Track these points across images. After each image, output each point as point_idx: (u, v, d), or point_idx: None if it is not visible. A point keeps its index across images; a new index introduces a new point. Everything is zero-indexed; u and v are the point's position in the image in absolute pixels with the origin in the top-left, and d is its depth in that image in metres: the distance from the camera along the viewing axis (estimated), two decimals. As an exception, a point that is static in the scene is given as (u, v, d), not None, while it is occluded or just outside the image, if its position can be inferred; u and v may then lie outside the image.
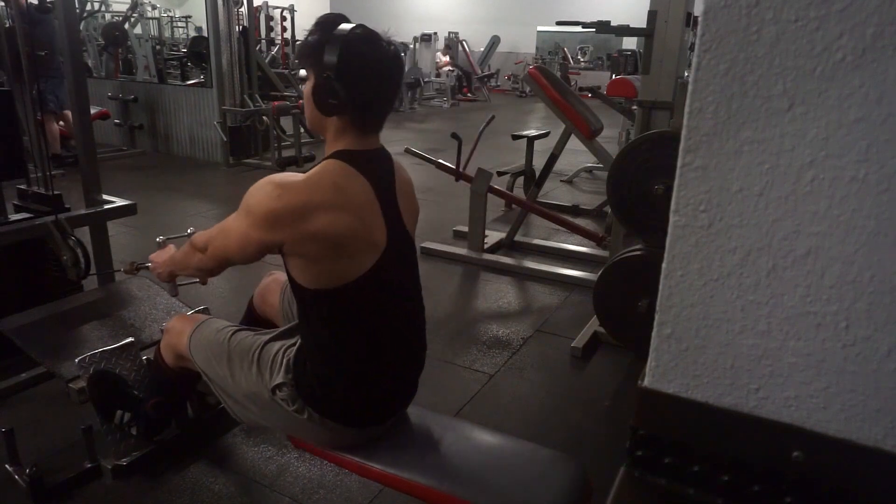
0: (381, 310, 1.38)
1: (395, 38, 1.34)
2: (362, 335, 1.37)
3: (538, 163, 4.51)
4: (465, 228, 4.08)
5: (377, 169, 1.36)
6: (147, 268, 1.71)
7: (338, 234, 1.26)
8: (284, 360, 1.41)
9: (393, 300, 1.42)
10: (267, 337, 1.50)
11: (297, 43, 13.65)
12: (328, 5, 18.98)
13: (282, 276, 1.72)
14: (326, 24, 1.31)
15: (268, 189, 1.26)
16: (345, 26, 1.28)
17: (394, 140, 8.33)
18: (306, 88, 1.35)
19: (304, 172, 1.30)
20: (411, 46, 13.15)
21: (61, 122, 5.81)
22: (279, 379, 1.40)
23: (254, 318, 1.85)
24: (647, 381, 0.71)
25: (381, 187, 1.35)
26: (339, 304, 1.34)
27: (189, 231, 1.64)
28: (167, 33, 13.47)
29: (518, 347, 2.87)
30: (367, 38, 1.29)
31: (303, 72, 11.05)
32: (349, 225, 1.28)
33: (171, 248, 1.63)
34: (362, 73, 1.27)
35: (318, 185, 1.27)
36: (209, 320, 1.64)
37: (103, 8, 9.80)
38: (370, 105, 1.32)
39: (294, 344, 1.44)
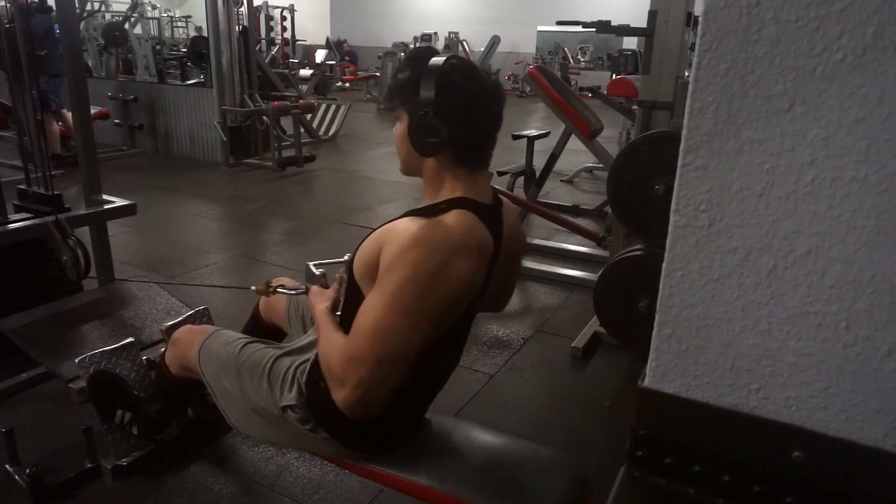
0: (432, 362, 1.32)
1: (492, 70, 1.25)
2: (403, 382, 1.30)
3: (538, 163, 4.51)
4: (466, 228, 4.08)
5: (496, 227, 1.27)
6: (286, 293, 1.58)
7: (469, 299, 1.20)
8: (296, 381, 1.35)
9: (448, 351, 1.37)
10: (279, 351, 1.45)
11: (298, 43, 13.67)
12: (328, 6, 18.98)
13: (286, 280, 1.70)
14: (417, 58, 1.21)
15: (434, 255, 1.10)
16: (438, 59, 1.19)
17: (393, 140, 8.32)
18: (399, 130, 1.25)
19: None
20: (411, 46, 13.16)
21: (60, 122, 5.81)
22: (290, 400, 1.34)
23: (259, 325, 1.83)
24: (647, 381, 0.71)
25: (495, 246, 1.25)
26: None
27: (347, 258, 1.41)
28: (167, 33, 13.47)
29: (518, 347, 2.87)
30: (464, 69, 1.19)
31: (302, 69, 11.06)
32: (477, 290, 1.21)
33: (331, 292, 1.38)
34: (462, 106, 1.17)
35: (470, 241, 1.15)
36: (218, 332, 1.60)
37: (103, 8, 9.80)
38: (472, 140, 1.21)
39: (306, 360, 1.38)
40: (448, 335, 1.27)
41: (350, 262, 1.28)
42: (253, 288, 1.63)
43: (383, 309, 1.11)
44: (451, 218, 1.15)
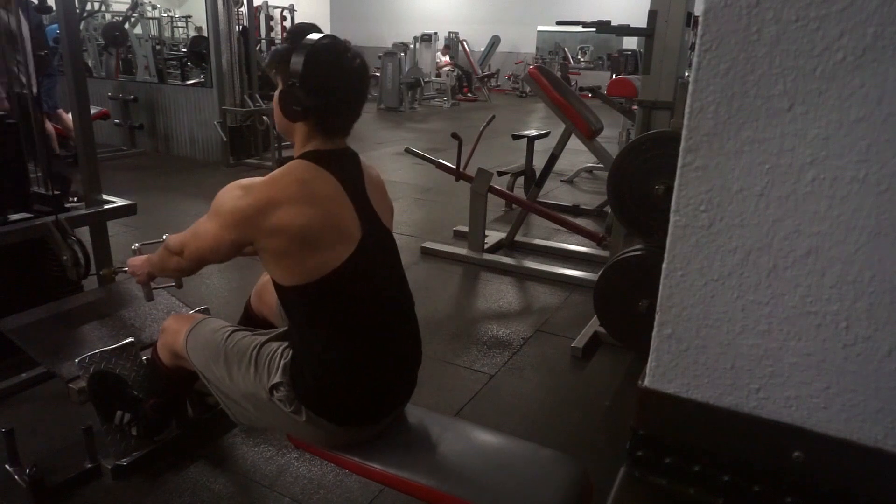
0: (363, 302, 1.40)
1: (360, 51, 1.39)
2: (346, 331, 1.38)
3: (538, 163, 4.51)
4: (466, 228, 4.08)
5: (343, 166, 1.41)
6: (125, 272, 1.76)
7: (303, 227, 1.30)
8: (282, 361, 1.41)
9: (374, 292, 1.43)
10: (265, 337, 1.50)
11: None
12: (328, 5, 18.98)
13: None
14: (297, 33, 1.35)
15: (233, 190, 1.33)
16: (313, 36, 1.33)
17: (394, 140, 8.32)
18: (276, 94, 1.40)
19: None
20: (411, 46, 13.15)
21: (56, 123, 5.80)
22: (276, 378, 1.40)
23: (251, 319, 1.85)
24: (647, 382, 0.71)
25: (348, 183, 1.39)
26: (318, 299, 1.36)
27: (164, 237, 1.68)
28: (167, 33, 13.46)
29: (518, 347, 2.87)
30: (331, 49, 1.33)
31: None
32: (315, 217, 1.31)
33: (147, 256, 1.68)
34: (324, 82, 1.33)
35: (280, 181, 1.32)
36: (206, 320, 1.64)
37: (103, 8, 9.79)
38: (332, 113, 1.38)
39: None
40: (348, 273, 1.34)
41: None
42: (101, 272, 1.98)
43: (204, 219, 1.40)
44: (281, 171, 1.36)
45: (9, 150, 2.19)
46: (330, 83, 1.34)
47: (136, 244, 1.80)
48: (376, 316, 1.43)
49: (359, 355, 1.39)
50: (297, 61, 1.30)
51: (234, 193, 1.33)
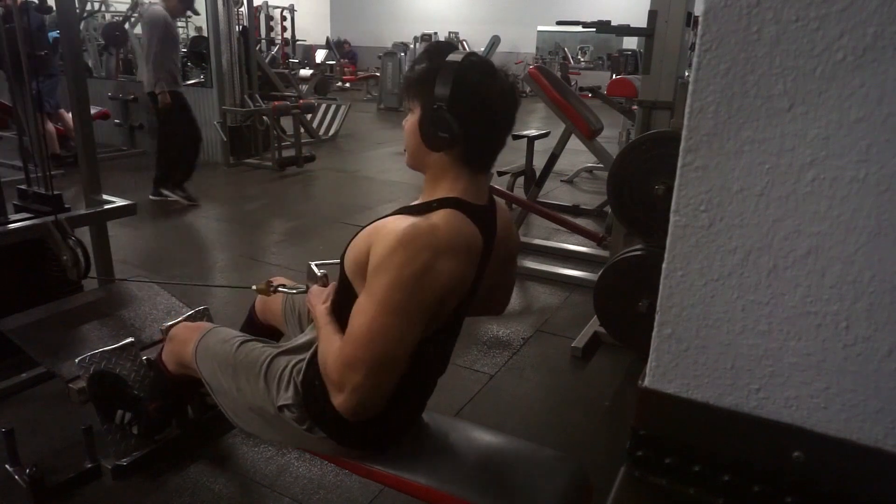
0: (422, 361, 1.31)
1: (510, 71, 1.23)
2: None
3: (538, 163, 4.51)
4: (466, 228, 4.07)
5: (489, 228, 1.27)
6: (283, 290, 1.59)
7: (458, 298, 1.20)
8: (292, 380, 1.35)
9: (439, 351, 1.37)
10: (275, 350, 1.44)
11: (298, 43, 13.68)
12: (328, 6, 18.98)
13: (286, 280, 1.70)
14: (436, 52, 1.22)
15: (419, 255, 1.10)
16: (457, 54, 1.19)
17: (394, 140, 8.32)
18: (410, 121, 1.23)
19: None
20: (411, 46, 13.16)
21: (59, 123, 5.81)
22: (287, 399, 1.34)
23: (255, 325, 1.83)
24: (647, 382, 0.71)
25: (486, 247, 1.25)
26: None
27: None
28: (167, 33, 13.45)
29: (518, 347, 2.87)
30: (482, 68, 1.19)
31: (302, 69, 11.03)
32: (467, 289, 1.21)
33: (330, 290, 1.38)
34: (477, 104, 1.17)
35: (460, 247, 1.16)
36: (215, 329, 1.60)
37: (103, 8, 9.79)
38: (484, 139, 1.21)
39: (302, 360, 1.38)
40: (437, 334, 1.27)
41: (341, 259, 1.28)
42: (254, 287, 1.65)
43: (373, 312, 1.11)
44: (440, 217, 1.16)
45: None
46: (485, 105, 1.18)
47: (317, 269, 1.46)
48: (427, 368, 1.36)
49: (394, 399, 1.29)
50: (443, 81, 1.14)
51: (424, 259, 1.10)
